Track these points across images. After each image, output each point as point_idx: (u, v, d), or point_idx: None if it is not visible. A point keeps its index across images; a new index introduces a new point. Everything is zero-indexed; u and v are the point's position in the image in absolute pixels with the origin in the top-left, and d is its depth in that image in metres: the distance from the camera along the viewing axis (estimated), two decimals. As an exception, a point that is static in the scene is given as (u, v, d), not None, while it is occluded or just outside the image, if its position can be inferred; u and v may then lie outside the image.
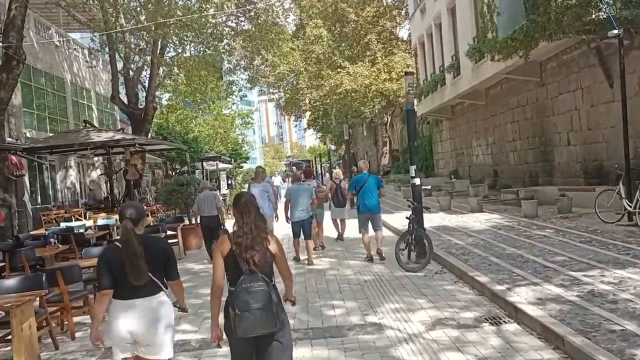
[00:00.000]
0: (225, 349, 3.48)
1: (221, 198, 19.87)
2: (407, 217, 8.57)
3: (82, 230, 11.16)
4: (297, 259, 9.79)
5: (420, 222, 8.34)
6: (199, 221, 11.28)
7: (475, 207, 13.53)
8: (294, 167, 48.42)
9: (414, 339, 5.19)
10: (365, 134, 52.15)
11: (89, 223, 13.17)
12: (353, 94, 32.01)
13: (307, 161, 60.85)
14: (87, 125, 17.75)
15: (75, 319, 6.84)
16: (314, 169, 56.10)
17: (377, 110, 36.24)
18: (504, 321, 5.49)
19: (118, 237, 3.82)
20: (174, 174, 38.07)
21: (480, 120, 21.38)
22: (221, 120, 37.45)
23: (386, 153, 39.29)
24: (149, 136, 27.31)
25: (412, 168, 8.53)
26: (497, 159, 20.01)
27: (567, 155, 14.82)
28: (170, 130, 30.28)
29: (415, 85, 8.82)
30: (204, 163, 38.86)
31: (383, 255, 9.01)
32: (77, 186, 24.61)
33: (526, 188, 14.30)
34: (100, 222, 12.98)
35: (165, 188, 12.70)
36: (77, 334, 6.30)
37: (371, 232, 9.20)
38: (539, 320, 5.05)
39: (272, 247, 3.37)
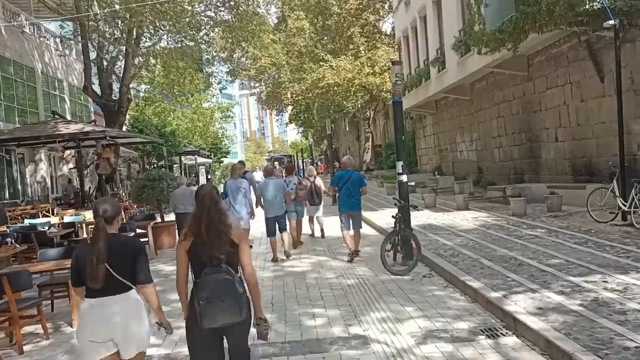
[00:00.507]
0: None
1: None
2: (393, 216, 8.04)
3: (45, 228, 10.40)
4: (275, 260, 9.27)
5: (407, 221, 7.80)
6: (174, 218, 10.85)
7: (462, 204, 13.07)
8: (275, 162, 48.01)
9: (403, 355, 4.64)
10: (347, 129, 51.63)
11: (55, 220, 12.39)
12: (335, 88, 31.47)
13: (289, 156, 60.17)
14: (56, 116, 16.85)
15: (29, 328, 6.19)
16: (296, 164, 55.56)
17: (359, 105, 35.72)
18: (501, 333, 4.97)
19: (84, 237, 3.54)
20: (151, 168, 37.14)
21: (464, 115, 20.97)
22: (200, 114, 36.54)
23: (368, 149, 38.84)
24: (124, 129, 26.48)
25: (399, 164, 7.98)
26: (482, 155, 19.62)
27: (554, 151, 14.45)
28: (147, 123, 29.31)
29: (401, 77, 8.32)
30: (182, 157, 38.03)
31: (359, 255, 8.79)
32: (48, 180, 23.64)
33: (513, 185, 13.89)
34: (66, 219, 12.21)
35: (136, 183, 11.94)
36: (27, 347, 5.63)
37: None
38: (542, 334, 4.54)
39: (235, 238, 3.29)
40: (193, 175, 42.40)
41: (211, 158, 42.38)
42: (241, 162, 11.42)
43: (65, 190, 22.44)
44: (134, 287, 3.38)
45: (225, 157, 61.73)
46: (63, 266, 6.40)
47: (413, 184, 19.42)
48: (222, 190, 10.16)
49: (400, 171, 7.97)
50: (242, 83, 51.81)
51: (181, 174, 36.43)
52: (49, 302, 7.02)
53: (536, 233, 9.04)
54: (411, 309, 5.87)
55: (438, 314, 5.63)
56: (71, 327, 6.17)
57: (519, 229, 9.65)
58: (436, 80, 20.78)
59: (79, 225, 11.69)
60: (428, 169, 26.45)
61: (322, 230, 11.52)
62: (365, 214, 13.88)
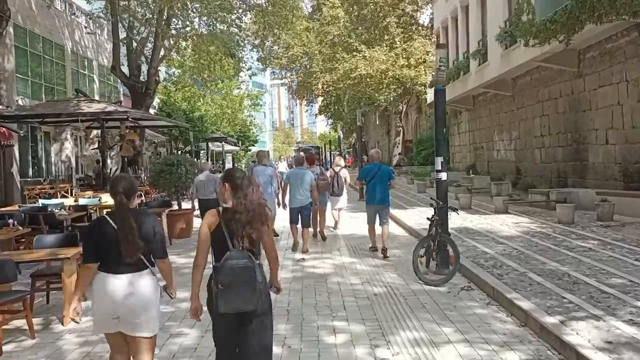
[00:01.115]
0: None
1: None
2: (428, 219, 7.18)
3: (56, 210, 9.84)
4: (294, 248, 9.01)
5: (444, 225, 6.93)
6: (196, 204, 10.51)
7: (500, 207, 12.06)
8: (301, 153, 46.94)
9: (441, 392, 3.82)
10: (377, 122, 50.54)
11: (69, 202, 11.86)
12: (368, 80, 30.47)
13: (317, 147, 59.47)
14: (79, 94, 16.39)
15: (18, 323, 5.55)
16: (323, 156, 54.77)
17: (392, 98, 34.61)
18: (561, 370, 4.10)
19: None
20: (178, 153, 36.78)
21: (504, 112, 19.82)
22: (229, 100, 35.95)
23: (399, 143, 37.72)
24: (151, 112, 26.11)
25: (439, 160, 7.11)
26: (521, 156, 18.48)
27: (603, 155, 13.30)
28: (174, 107, 28.82)
29: (446, 61, 7.40)
30: (210, 144, 37.60)
31: (387, 254, 8.30)
32: (73, 160, 23.38)
33: (557, 189, 12.79)
34: (81, 201, 11.67)
35: (154, 168, 11.25)
36: (8, 347, 4.98)
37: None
38: (615, 378, 3.66)
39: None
40: (219, 162, 42.03)
41: (238, 146, 41.91)
42: (263, 151, 11.13)
43: (94, 170, 22.11)
44: (149, 265, 3.36)
45: (253, 145, 61.29)
46: (58, 255, 5.75)
47: (446, 182, 18.47)
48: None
49: (440, 168, 7.11)
50: (274, 72, 51.04)
51: (207, 160, 36.08)
52: (44, 294, 6.38)
53: (588, 245, 8.05)
54: (449, 330, 5.02)
55: (481, 339, 4.77)
56: (62, 324, 5.52)
57: (568, 238, 8.66)
58: (476, 73, 19.68)
59: (93, 209, 11.12)
60: (461, 167, 25.34)
61: (337, 221, 11.35)
62: (394, 212, 13.04)
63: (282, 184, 9.81)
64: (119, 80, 26.44)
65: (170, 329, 5.22)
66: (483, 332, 4.92)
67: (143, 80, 21.82)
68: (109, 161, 19.36)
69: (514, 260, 7.20)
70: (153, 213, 4.12)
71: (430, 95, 30.90)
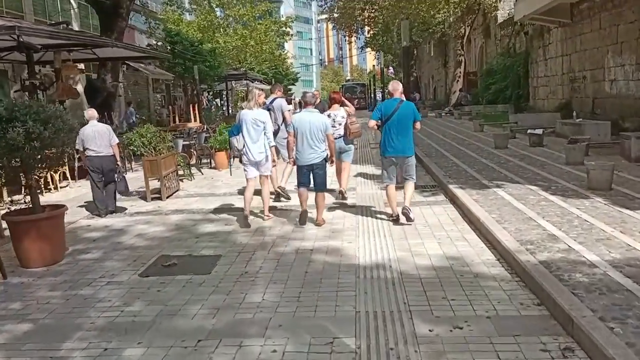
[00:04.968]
0: None
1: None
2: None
3: None
4: (301, 221, 6.64)
5: None
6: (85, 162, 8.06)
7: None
8: (347, 93, 42.22)
9: None
10: (432, 54, 43.24)
11: None
12: (421, -5, 23.81)
13: (362, 85, 52.97)
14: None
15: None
16: (369, 93, 48.35)
17: (451, 20, 27.65)
18: None
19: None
20: (205, 97, 31.39)
21: (625, 24, 13.09)
22: (253, 29, 29.83)
23: (459, 77, 30.79)
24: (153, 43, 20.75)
25: None
26: (659, 89, 11.94)
27: None
28: (180, 37, 23.05)
29: None
30: (233, 83, 32.07)
31: (410, 216, 6.27)
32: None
33: None
34: None
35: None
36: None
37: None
38: None
39: None
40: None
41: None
42: (258, 90, 7.78)
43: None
44: None
45: (293, 84, 54.95)
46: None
47: (540, 132, 12.26)
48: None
49: None
50: (317, 2, 44.37)
51: (223, 102, 30.72)
52: None
53: None
54: None
55: None
56: None
57: None
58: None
59: None
60: (547, 106, 18.77)
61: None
62: (461, 195, 7.15)
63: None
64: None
65: None
66: None
67: (114, -3, 16.29)
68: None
69: None
70: None
71: (503, 12, 23.87)
